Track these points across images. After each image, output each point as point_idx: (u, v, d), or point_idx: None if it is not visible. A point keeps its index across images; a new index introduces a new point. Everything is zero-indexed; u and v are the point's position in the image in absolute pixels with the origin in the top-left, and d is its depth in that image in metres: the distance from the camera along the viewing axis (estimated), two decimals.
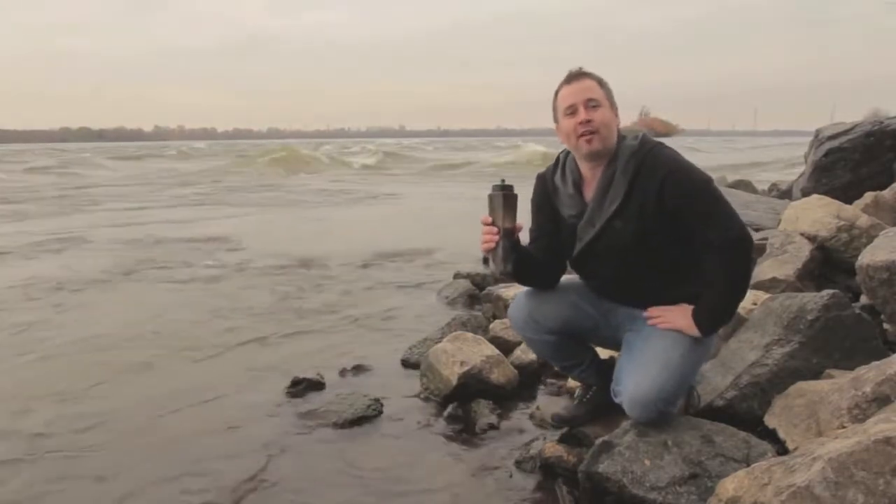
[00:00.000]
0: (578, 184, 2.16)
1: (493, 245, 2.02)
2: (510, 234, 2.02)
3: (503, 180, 2.03)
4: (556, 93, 2.13)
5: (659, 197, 1.98)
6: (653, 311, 2.12)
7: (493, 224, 2.01)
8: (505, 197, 1.99)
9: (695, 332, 2.02)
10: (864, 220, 3.46)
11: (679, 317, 2.06)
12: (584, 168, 2.13)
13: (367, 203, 13.00)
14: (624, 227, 2.04)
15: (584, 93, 2.04)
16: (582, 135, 2.03)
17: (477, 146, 51.17)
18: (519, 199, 2.04)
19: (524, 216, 2.11)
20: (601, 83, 2.08)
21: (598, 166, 2.09)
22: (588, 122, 2.02)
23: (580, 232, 2.14)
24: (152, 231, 8.61)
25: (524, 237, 2.15)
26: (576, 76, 2.09)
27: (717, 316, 2.05)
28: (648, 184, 1.99)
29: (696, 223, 1.98)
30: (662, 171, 1.98)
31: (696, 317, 2.03)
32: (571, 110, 2.05)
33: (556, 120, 2.14)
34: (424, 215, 10.71)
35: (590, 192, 2.13)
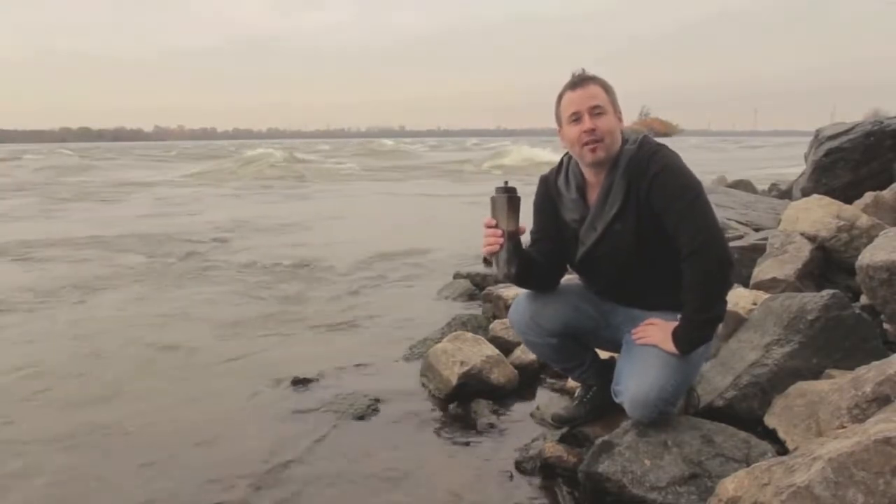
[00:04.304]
0: (582, 188, 2.15)
1: (496, 248, 2.01)
2: (513, 237, 2.01)
3: (506, 182, 2.02)
4: (560, 97, 2.10)
5: (647, 197, 1.98)
6: (637, 332, 2.12)
7: (496, 227, 2.01)
8: (509, 199, 1.98)
9: (674, 350, 2.01)
10: (864, 220, 3.46)
11: (661, 335, 2.05)
12: (588, 173, 2.13)
13: None
14: (624, 230, 2.04)
15: (589, 100, 2.02)
16: (586, 143, 2.02)
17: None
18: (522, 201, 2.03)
19: (525, 218, 2.10)
20: (606, 88, 2.06)
21: (601, 171, 2.08)
22: (592, 130, 2.00)
23: (583, 236, 2.14)
24: (144, 232, 8.61)
25: (524, 239, 2.15)
26: (580, 81, 2.05)
27: (694, 336, 2.01)
28: (641, 185, 1.99)
29: (672, 227, 1.97)
30: (652, 172, 1.98)
31: (675, 337, 2.01)
32: (576, 117, 2.03)
33: (559, 125, 2.13)
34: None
35: (593, 197, 2.13)
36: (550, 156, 23.39)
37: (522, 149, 30.81)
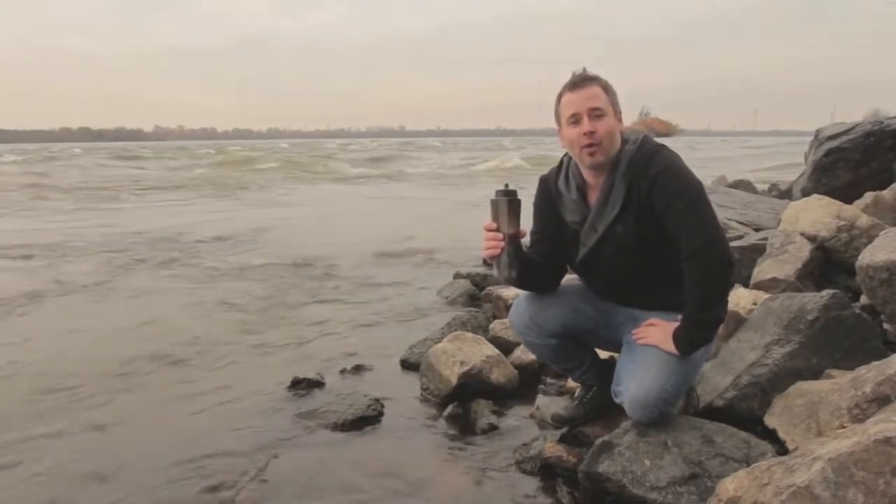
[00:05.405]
0: (583, 189, 2.14)
1: (497, 251, 2.01)
2: (514, 240, 2.01)
3: (507, 185, 2.02)
4: (559, 97, 2.08)
5: (649, 198, 1.98)
6: (637, 332, 2.12)
7: (497, 230, 2.01)
8: (510, 203, 1.98)
9: (675, 351, 2.01)
10: (864, 220, 3.46)
11: (661, 336, 2.04)
12: (588, 174, 2.12)
13: None
14: (625, 232, 2.04)
15: (589, 101, 2.00)
16: (585, 147, 2.01)
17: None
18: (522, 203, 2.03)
19: (526, 219, 2.10)
20: (606, 89, 2.04)
21: (601, 173, 2.08)
22: (592, 133, 1.99)
23: (583, 237, 2.14)
24: (145, 231, 8.60)
25: (524, 240, 2.15)
26: (580, 82, 2.03)
27: (694, 337, 2.00)
28: (642, 186, 1.99)
29: (672, 227, 1.96)
30: (653, 173, 1.97)
31: (675, 337, 2.01)
32: (575, 119, 2.02)
33: (558, 124, 2.11)
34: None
35: (593, 198, 2.12)
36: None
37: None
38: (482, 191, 14.07)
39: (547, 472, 2.22)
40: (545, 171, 2.32)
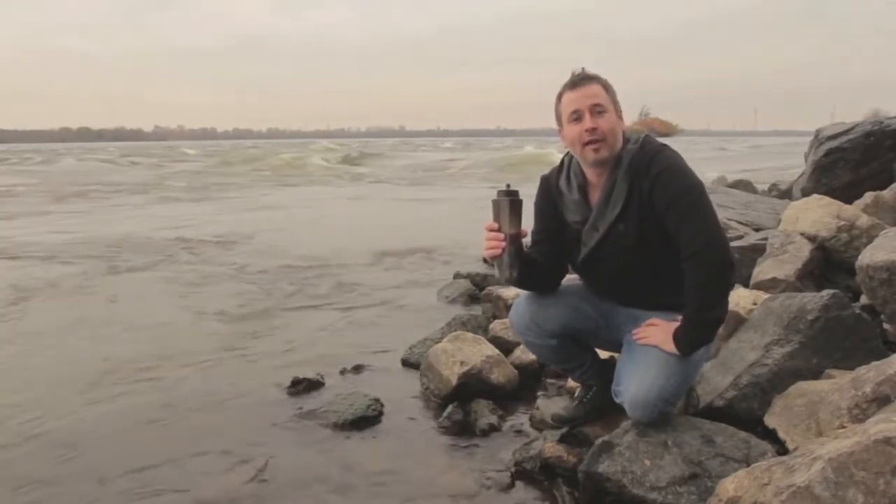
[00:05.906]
0: (584, 188, 2.14)
1: (498, 252, 2.01)
2: (515, 241, 2.01)
3: (508, 185, 2.02)
4: (559, 97, 2.08)
5: (650, 197, 1.98)
6: (638, 332, 2.12)
7: (498, 230, 2.01)
8: (511, 203, 1.98)
9: (675, 351, 2.00)
10: (864, 220, 3.46)
11: (661, 336, 2.04)
12: (590, 173, 2.12)
13: None
14: (626, 231, 2.04)
15: (590, 98, 2.00)
16: (588, 143, 2.01)
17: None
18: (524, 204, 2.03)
19: (528, 219, 2.10)
20: (606, 87, 2.04)
21: (603, 171, 2.07)
22: (594, 129, 1.99)
23: (585, 237, 2.14)
24: (148, 232, 8.59)
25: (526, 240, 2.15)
26: (580, 80, 2.04)
27: (695, 337, 2.00)
28: (644, 185, 1.99)
29: (673, 227, 1.96)
30: (654, 172, 1.97)
31: (676, 338, 2.01)
32: (576, 116, 2.02)
33: (559, 124, 2.11)
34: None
35: (595, 197, 2.12)
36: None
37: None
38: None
39: (547, 472, 2.22)
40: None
